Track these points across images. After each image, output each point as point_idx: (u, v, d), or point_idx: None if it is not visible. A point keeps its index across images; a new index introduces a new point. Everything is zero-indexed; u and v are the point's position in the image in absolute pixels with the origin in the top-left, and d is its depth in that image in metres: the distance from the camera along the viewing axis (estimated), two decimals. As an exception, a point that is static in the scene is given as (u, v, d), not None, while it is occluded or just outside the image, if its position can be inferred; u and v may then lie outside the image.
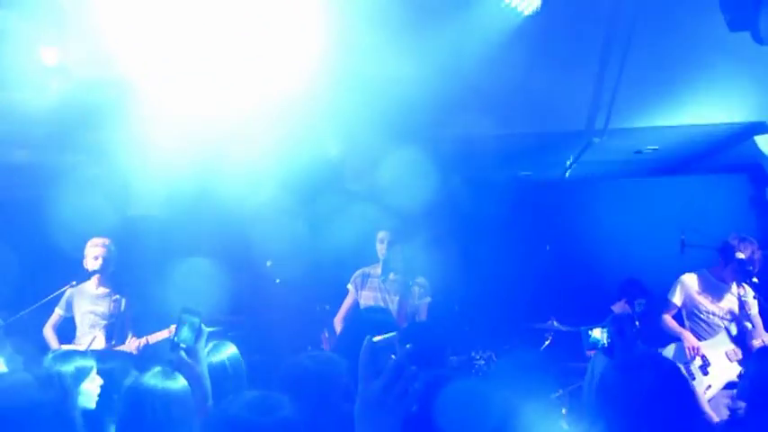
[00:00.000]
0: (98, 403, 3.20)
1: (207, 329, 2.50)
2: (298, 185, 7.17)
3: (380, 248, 5.51)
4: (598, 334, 2.82)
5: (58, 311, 5.64)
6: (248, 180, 6.11)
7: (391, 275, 5.49)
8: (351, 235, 6.29)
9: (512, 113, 5.56)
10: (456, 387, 1.99)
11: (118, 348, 5.45)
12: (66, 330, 5.67)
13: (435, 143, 6.45)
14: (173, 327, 5.55)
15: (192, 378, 2.42)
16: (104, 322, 5.56)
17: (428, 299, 5.50)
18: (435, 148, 6.64)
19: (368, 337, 1.43)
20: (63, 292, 5.58)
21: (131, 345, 5.47)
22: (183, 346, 2.43)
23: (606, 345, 2.77)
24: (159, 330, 5.47)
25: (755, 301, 5.20)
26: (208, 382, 2.43)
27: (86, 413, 2.99)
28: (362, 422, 1.41)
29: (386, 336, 1.44)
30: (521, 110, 5.51)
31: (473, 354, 5.48)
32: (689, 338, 5.34)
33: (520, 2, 3.71)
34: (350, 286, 5.64)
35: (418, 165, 6.90)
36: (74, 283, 5.57)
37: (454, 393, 1.93)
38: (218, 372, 3.03)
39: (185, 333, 2.45)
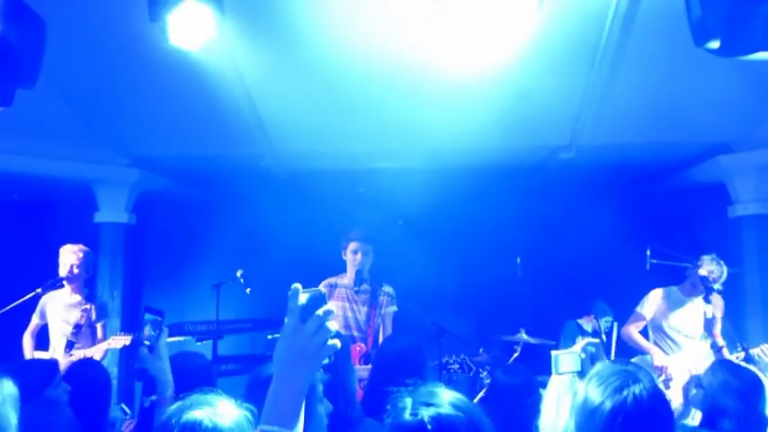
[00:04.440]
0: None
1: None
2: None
3: (353, 258, 5.32)
4: (569, 361, 2.76)
5: (35, 319, 5.59)
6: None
7: (363, 286, 5.27)
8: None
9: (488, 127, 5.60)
10: None
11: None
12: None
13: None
14: (103, 344, 5.48)
15: (155, 372, 2.68)
16: (75, 331, 5.43)
17: (394, 308, 5.39)
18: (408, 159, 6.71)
19: (294, 285, 1.53)
20: (32, 299, 5.47)
21: (77, 354, 5.31)
22: (146, 343, 2.67)
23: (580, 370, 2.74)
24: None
25: (719, 318, 5.32)
26: (170, 376, 2.70)
27: None
28: (286, 360, 1.49)
29: (312, 290, 1.56)
30: (495, 123, 5.55)
31: (446, 359, 5.46)
32: (658, 355, 5.38)
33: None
34: None
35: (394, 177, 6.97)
36: (39, 290, 5.45)
37: None
38: None
39: (148, 331, 2.69)
